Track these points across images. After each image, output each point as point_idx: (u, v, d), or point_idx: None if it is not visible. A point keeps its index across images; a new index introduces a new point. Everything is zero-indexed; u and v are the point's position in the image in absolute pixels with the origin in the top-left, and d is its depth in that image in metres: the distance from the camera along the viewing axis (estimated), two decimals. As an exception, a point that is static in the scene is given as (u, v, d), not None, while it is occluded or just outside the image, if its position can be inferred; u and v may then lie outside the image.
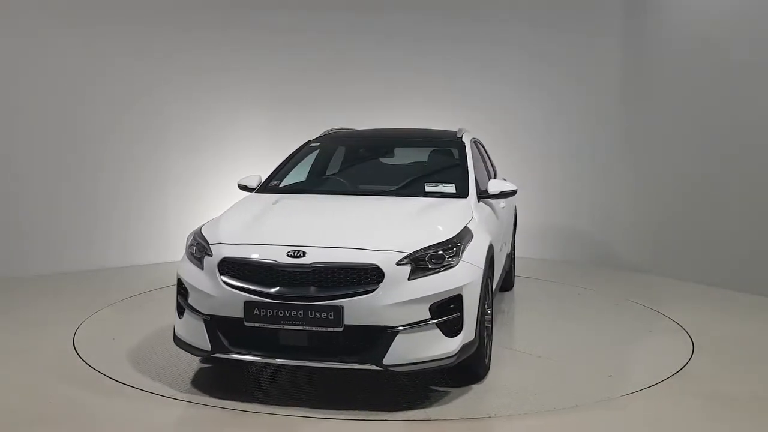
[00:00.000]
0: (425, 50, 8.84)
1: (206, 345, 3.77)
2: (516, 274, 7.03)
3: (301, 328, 3.58)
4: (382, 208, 4.39)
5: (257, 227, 4.04)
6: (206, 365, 4.39)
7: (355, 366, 3.62)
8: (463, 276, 3.77)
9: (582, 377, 4.30)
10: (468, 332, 3.77)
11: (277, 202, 4.61)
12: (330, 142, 5.68)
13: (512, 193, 4.83)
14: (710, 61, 7.16)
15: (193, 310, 3.85)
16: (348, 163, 5.65)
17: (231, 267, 3.76)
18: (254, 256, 3.75)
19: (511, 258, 6.56)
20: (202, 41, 8.33)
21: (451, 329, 3.70)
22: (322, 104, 8.66)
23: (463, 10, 8.79)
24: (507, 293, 6.65)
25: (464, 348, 3.74)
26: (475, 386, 4.06)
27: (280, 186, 5.08)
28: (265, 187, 5.02)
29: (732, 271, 6.91)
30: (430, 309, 3.63)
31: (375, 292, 3.57)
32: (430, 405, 3.79)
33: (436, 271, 3.71)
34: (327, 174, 5.58)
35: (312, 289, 3.60)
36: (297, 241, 3.76)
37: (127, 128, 7.96)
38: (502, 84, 8.81)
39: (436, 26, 8.83)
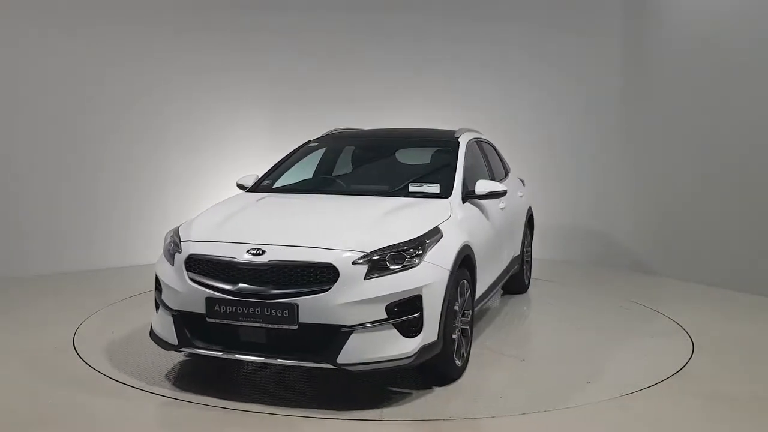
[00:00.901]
0: (425, 50, 8.86)
1: (173, 339, 3.89)
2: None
3: (258, 325, 3.63)
4: (355, 208, 4.37)
5: (226, 225, 4.10)
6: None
7: (310, 364, 3.65)
8: (424, 276, 3.74)
9: (561, 382, 4.21)
10: (429, 333, 3.74)
11: (259, 201, 4.67)
12: (328, 143, 5.70)
13: (501, 194, 4.78)
14: (710, 61, 7.16)
15: (165, 306, 3.96)
16: (342, 163, 5.67)
17: (196, 264, 3.85)
18: (216, 253, 3.82)
19: (524, 260, 6.47)
20: (202, 41, 8.33)
21: (410, 330, 3.68)
22: (322, 104, 8.67)
23: (464, 11, 8.80)
24: (515, 296, 6.58)
25: (424, 349, 3.71)
26: (440, 388, 4.01)
27: (274, 185, 5.14)
28: (257, 186, 5.10)
29: (732, 271, 6.91)
30: (387, 309, 3.62)
31: (329, 290, 3.58)
32: (387, 405, 3.77)
33: (396, 271, 3.70)
34: (324, 174, 5.59)
35: (269, 286, 3.64)
36: (259, 239, 3.82)
37: (127, 128, 7.97)
38: (501, 84, 8.82)
39: (437, 26, 8.84)
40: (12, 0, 7.18)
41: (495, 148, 6.29)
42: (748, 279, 6.73)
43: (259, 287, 3.65)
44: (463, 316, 4.23)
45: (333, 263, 3.62)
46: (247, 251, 3.73)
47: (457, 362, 4.13)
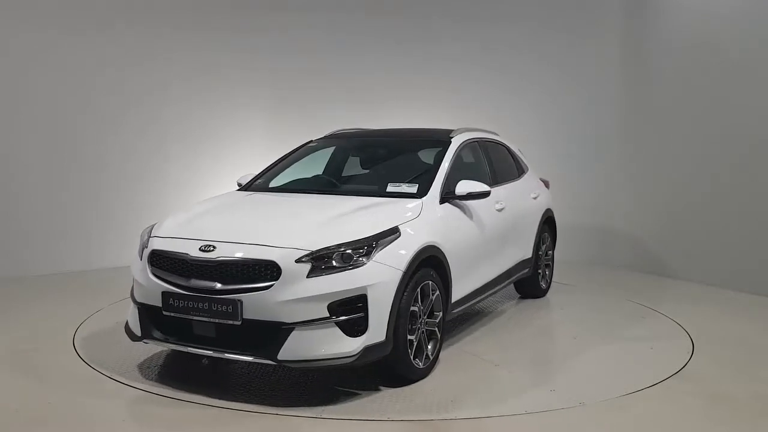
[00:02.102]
0: (426, 51, 8.85)
1: (138, 330, 4.06)
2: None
3: (207, 319, 3.74)
4: (320, 207, 4.36)
5: (192, 222, 4.23)
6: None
7: (251, 359, 3.72)
8: (371, 276, 3.73)
9: (526, 387, 4.11)
10: (375, 333, 3.73)
11: (239, 199, 4.79)
12: (328, 143, 5.72)
13: (483, 194, 4.68)
14: (710, 61, 7.16)
15: (133, 299, 4.15)
16: (337, 163, 5.70)
17: (158, 259, 4.02)
18: (173, 249, 3.96)
19: (539, 264, 6.30)
20: (203, 42, 8.33)
21: (354, 329, 3.69)
22: (323, 105, 8.67)
23: (464, 11, 8.80)
24: (528, 300, 6.45)
25: (369, 349, 3.70)
26: (392, 389, 3.97)
27: (270, 184, 5.21)
28: (250, 185, 5.20)
29: (732, 271, 6.91)
30: (329, 307, 3.63)
31: (271, 288, 3.63)
32: (332, 403, 3.77)
33: (341, 270, 3.71)
34: (324, 173, 5.61)
35: (217, 282, 3.73)
36: (212, 236, 3.93)
37: (127, 129, 7.98)
38: (501, 84, 8.82)
39: (437, 27, 8.84)
40: (12, 2, 7.19)
41: (508, 149, 6.23)
42: (748, 279, 6.73)
43: (207, 283, 3.75)
44: (430, 318, 4.21)
45: (275, 261, 3.67)
46: (199, 248, 3.84)
47: (419, 364, 4.09)
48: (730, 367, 4.55)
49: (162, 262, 3.98)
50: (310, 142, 5.75)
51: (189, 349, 3.89)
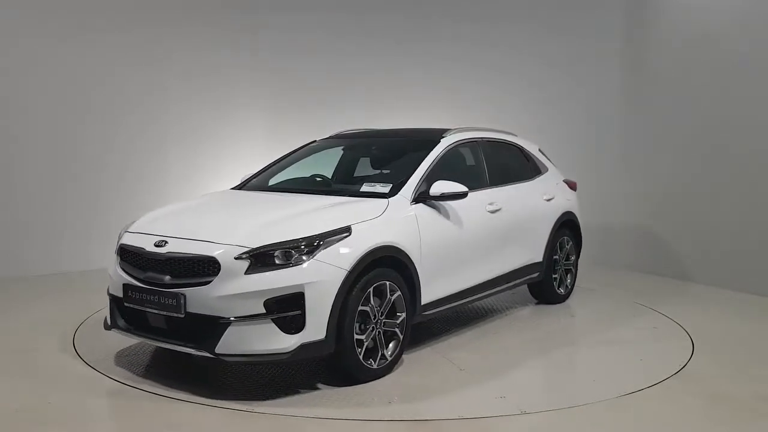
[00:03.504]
0: (426, 51, 8.86)
1: (109, 320, 4.30)
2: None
3: (157, 311, 3.91)
4: (284, 205, 4.41)
5: (160, 219, 4.39)
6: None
7: (193, 351, 3.84)
8: (310, 274, 3.75)
9: (478, 393, 3.98)
10: (313, 331, 3.75)
11: (217, 198, 4.93)
12: (328, 143, 5.76)
13: (458, 195, 4.57)
14: (710, 61, 7.16)
15: (108, 292, 4.35)
16: (334, 163, 5.74)
17: (124, 253, 4.23)
18: (135, 243, 4.16)
19: (553, 268, 6.10)
20: (203, 42, 8.34)
21: (290, 326, 3.73)
22: (325, 104, 8.68)
23: (464, 12, 8.81)
24: (537, 305, 6.26)
25: (306, 347, 3.73)
26: (333, 388, 3.96)
27: (266, 184, 5.28)
28: (244, 185, 5.31)
29: (732, 272, 6.91)
30: (266, 304, 3.68)
31: (211, 283, 3.74)
32: (271, 398, 3.81)
33: (280, 267, 3.74)
34: (325, 173, 5.63)
35: (166, 276, 3.89)
36: (169, 232, 4.09)
37: (127, 129, 7.98)
38: (501, 85, 8.83)
39: (437, 27, 8.84)
40: (13, 3, 7.20)
41: (521, 149, 6.11)
42: (748, 279, 6.73)
43: (158, 276, 3.92)
44: (390, 318, 4.19)
45: (215, 257, 3.76)
46: (154, 243, 4.02)
47: (372, 364, 4.08)
48: (730, 367, 4.55)
49: (127, 256, 4.18)
50: (313, 142, 5.78)
51: (146, 339, 4.12)
